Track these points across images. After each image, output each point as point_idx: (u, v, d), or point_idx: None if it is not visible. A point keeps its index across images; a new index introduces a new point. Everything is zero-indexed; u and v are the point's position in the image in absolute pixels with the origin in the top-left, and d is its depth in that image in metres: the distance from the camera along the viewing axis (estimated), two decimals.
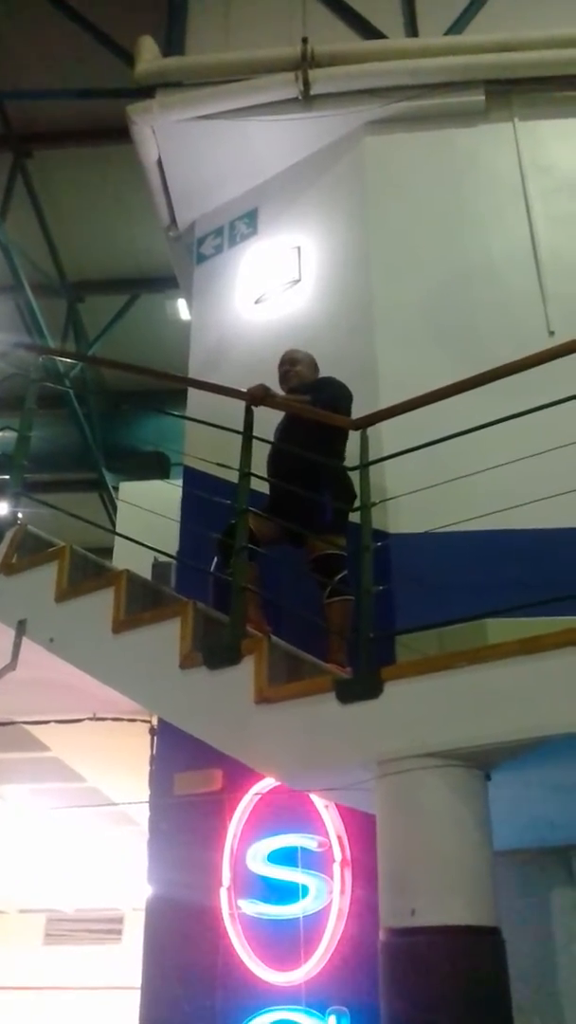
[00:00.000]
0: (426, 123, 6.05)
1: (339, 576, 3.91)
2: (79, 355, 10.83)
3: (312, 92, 6.03)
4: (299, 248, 6.07)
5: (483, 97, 5.99)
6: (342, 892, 3.99)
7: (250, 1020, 3.93)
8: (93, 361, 11.02)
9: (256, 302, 6.10)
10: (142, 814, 4.87)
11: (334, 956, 3.91)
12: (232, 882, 4.22)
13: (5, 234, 9.31)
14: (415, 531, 4.15)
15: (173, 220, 6.99)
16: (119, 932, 12.67)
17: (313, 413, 4.08)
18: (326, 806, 4.11)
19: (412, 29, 6.61)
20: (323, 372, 4.74)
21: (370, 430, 3.68)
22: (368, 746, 2.86)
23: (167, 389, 8.75)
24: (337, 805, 4.03)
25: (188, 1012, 4.09)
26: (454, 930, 2.48)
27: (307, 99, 6.05)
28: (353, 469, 3.56)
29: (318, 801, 4.11)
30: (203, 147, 6.37)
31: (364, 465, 3.46)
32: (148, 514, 5.56)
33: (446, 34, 6.45)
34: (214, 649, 3.34)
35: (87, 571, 4.14)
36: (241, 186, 6.64)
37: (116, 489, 10.22)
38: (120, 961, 11.00)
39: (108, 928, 12.83)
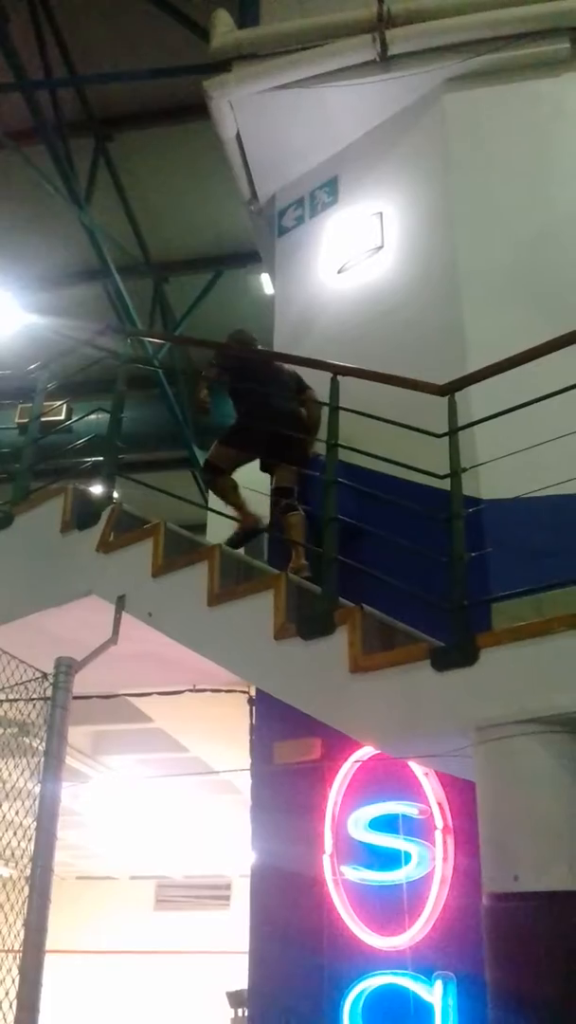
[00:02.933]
0: (508, 75, 5.85)
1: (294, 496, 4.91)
2: (164, 335, 10.96)
3: (390, 53, 5.90)
4: (381, 214, 5.99)
5: (568, 45, 5.74)
6: (444, 859, 4.00)
7: (357, 983, 3.99)
8: (178, 340, 11.14)
9: (339, 271, 6.05)
10: (244, 783, 4.97)
11: (439, 922, 3.93)
12: (334, 849, 4.27)
13: (91, 219, 9.48)
14: (509, 496, 4.08)
15: (254, 194, 6.98)
16: (227, 898, 12.99)
17: (402, 382, 4.04)
18: (426, 773, 4.11)
19: None
20: (408, 338, 4.72)
21: (458, 395, 3.64)
22: (465, 713, 2.85)
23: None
24: (437, 772, 4.03)
25: (296, 975, 4.17)
26: (557, 895, 2.46)
27: (384, 60, 5.93)
28: (441, 436, 3.52)
29: (417, 768, 4.12)
30: (281, 118, 6.32)
31: (453, 431, 3.41)
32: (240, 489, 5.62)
33: None
34: (308, 620, 3.37)
35: (181, 547, 4.23)
36: (320, 155, 6.57)
37: None
38: (229, 926, 11.28)
39: (216, 894, 13.18)
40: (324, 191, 6.49)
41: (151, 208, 10.25)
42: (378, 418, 3.97)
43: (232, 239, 10.24)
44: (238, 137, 6.53)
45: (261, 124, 6.41)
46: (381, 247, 5.87)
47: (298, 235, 6.55)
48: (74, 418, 9.65)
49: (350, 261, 6.01)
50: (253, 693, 4.95)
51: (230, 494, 5.22)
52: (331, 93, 6.10)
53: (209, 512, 6.28)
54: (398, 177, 6.04)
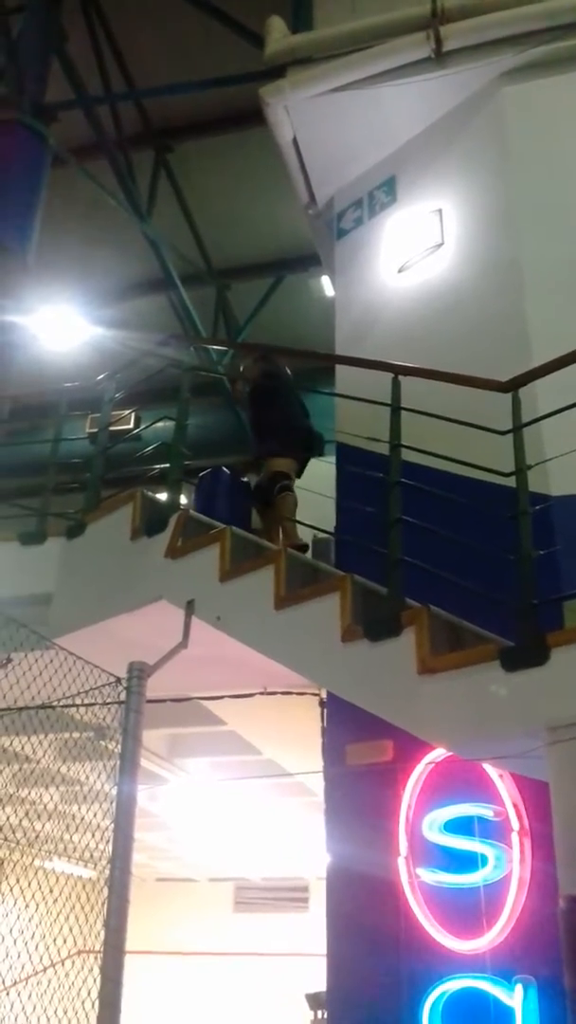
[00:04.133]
0: (566, 66, 5.73)
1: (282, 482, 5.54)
2: (226, 342, 11.04)
3: (444, 49, 5.85)
4: (440, 211, 5.94)
5: None
6: (522, 861, 3.95)
7: (436, 987, 3.96)
8: (240, 347, 11.22)
9: (399, 271, 6.03)
10: (319, 785, 4.98)
11: (517, 925, 3.88)
12: (409, 851, 4.25)
13: (153, 230, 9.62)
14: None
15: (312, 197, 7.00)
16: (305, 900, 13.01)
17: (464, 380, 4.01)
18: (500, 775, 4.06)
19: None
20: (470, 335, 4.70)
21: (523, 391, 3.60)
22: (536, 713, 2.81)
23: (316, 368, 8.80)
24: (512, 774, 3.98)
25: (374, 978, 4.16)
26: None
27: (439, 57, 5.89)
28: (505, 433, 3.48)
29: (491, 770, 4.07)
30: (337, 120, 6.33)
31: (517, 428, 3.37)
32: (305, 493, 5.65)
33: None
34: (374, 621, 3.37)
35: (247, 551, 4.27)
36: (377, 155, 6.55)
37: None
38: (307, 928, 11.30)
39: (294, 896, 13.20)
40: (382, 191, 6.47)
41: (211, 216, 10.36)
42: (441, 417, 3.94)
43: (292, 244, 10.28)
44: (295, 142, 6.56)
45: (317, 127, 6.42)
46: (441, 244, 5.82)
47: (357, 236, 6.54)
48: (141, 427, 9.81)
49: (410, 260, 5.98)
50: (324, 695, 4.96)
51: (293, 508, 5.53)
52: (386, 93, 6.08)
53: None
54: (457, 173, 5.99)
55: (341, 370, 5.89)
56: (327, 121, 6.34)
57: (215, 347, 11.01)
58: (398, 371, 4.08)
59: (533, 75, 5.79)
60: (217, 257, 10.89)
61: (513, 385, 3.52)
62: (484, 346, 5.05)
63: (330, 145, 6.55)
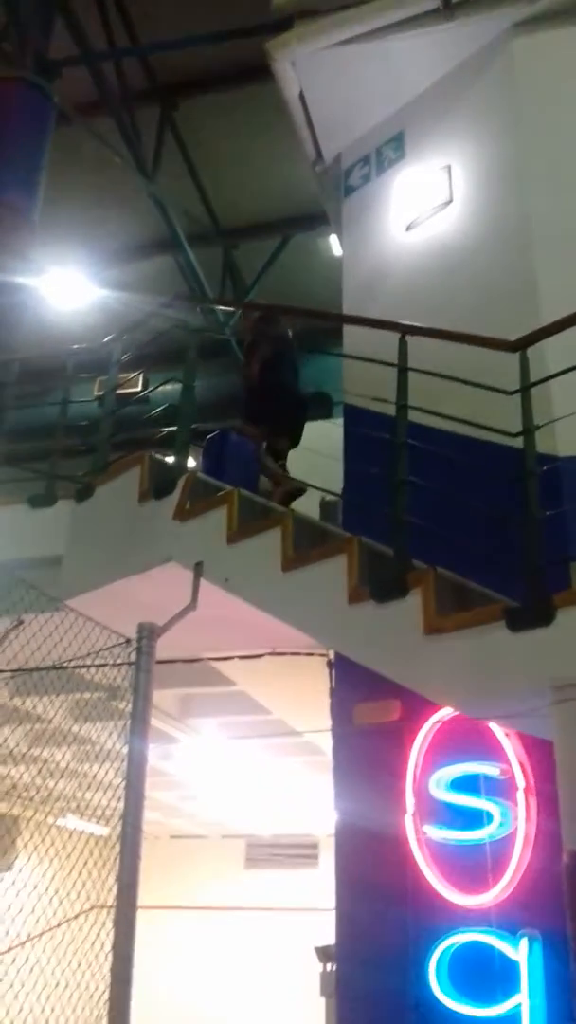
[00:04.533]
0: None
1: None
2: (232, 302, 10.94)
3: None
4: (449, 167, 5.85)
5: None
6: (527, 819, 3.99)
7: (442, 940, 4.03)
8: (246, 307, 11.13)
9: (407, 228, 5.95)
10: (327, 744, 5.03)
11: (523, 881, 3.94)
12: (416, 809, 4.30)
13: (159, 189, 9.50)
14: None
15: (319, 154, 6.90)
16: (315, 856, 13.21)
17: (472, 339, 3.98)
18: (507, 734, 4.09)
19: None
20: (478, 293, 4.64)
21: (531, 351, 3.57)
22: (542, 672, 2.83)
23: (324, 328, 8.73)
24: (517, 732, 4.01)
25: (382, 932, 4.24)
26: None
27: (448, 8, 5.75)
28: (513, 393, 3.45)
29: (497, 729, 4.10)
30: (344, 74, 6.22)
31: (525, 388, 3.35)
32: (314, 455, 5.64)
33: None
34: (381, 583, 3.38)
35: (255, 513, 4.27)
36: (385, 110, 6.44)
37: None
38: (317, 884, 11.49)
39: (304, 853, 13.40)
40: (390, 147, 6.37)
41: (218, 175, 10.21)
42: (448, 377, 3.91)
43: (300, 202, 10.13)
44: (301, 97, 6.45)
45: (324, 82, 6.31)
46: (450, 202, 5.75)
47: (365, 193, 6.45)
48: (148, 389, 9.78)
49: (418, 218, 5.90)
50: (332, 656, 4.99)
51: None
52: (395, 46, 5.96)
53: None
54: (467, 128, 5.89)
55: (349, 330, 5.85)
56: (334, 75, 6.23)
57: (222, 308, 10.92)
58: (405, 331, 4.04)
59: (544, 27, 5.66)
60: (224, 216, 10.76)
61: (522, 344, 3.49)
62: (493, 305, 5.00)
63: (337, 100, 6.45)
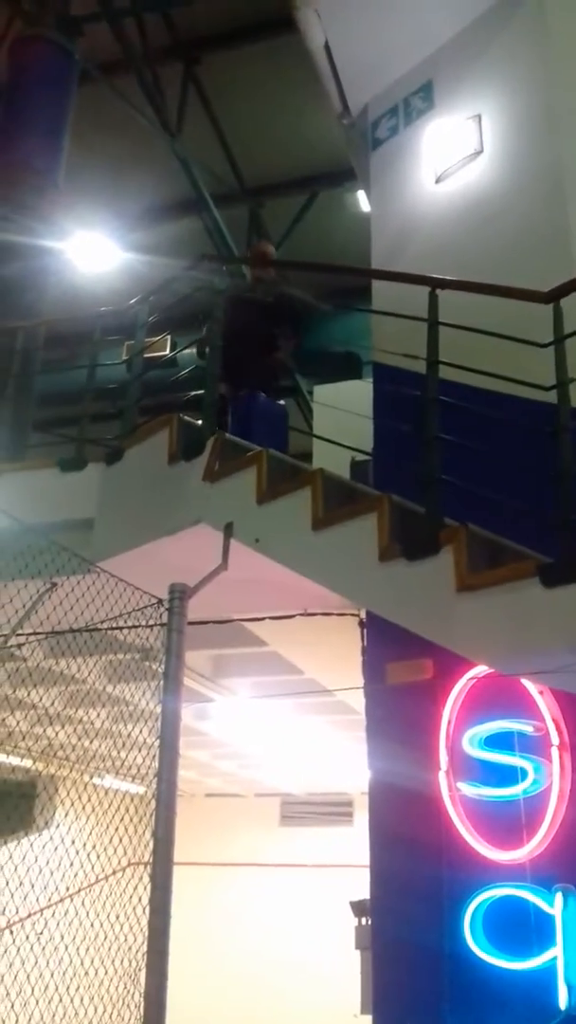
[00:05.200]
0: None
1: None
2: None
3: None
4: (479, 116, 5.70)
5: None
6: (562, 775, 3.99)
7: (476, 895, 4.06)
8: (272, 265, 11.00)
9: (437, 181, 5.83)
10: (361, 703, 5.05)
11: (557, 836, 3.94)
12: (450, 766, 4.31)
13: (184, 148, 9.39)
14: None
15: (345, 106, 6.75)
16: (350, 815, 13.35)
17: (504, 291, 3.90)
18: (540, 691, 4.08)
19: None
20: (510, 245, 4.53)
21: (564, 302, 3.49)
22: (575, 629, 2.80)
23: (354, 286, 8.62)
24: (552, 690, 4.00)
25: (416, 887, 4.27)
26: None
27: None
28: (546, 345, 3.39)
29: (531, 686, 4.08)
30: (369, 21, 6.06)
31: (559, 339, 3.28)
32: (344, 415, 5.59)
33: None
34: (412, 540, 3.35)
35: (284, 473, 4.25)
36: (413, 59, 6.27)
37: (311, 394, 10.31)
38: (351, 841, 11.62)
39: (338, 811, 13.55)
40: (418, 97, 6.22)
41: (243, 132, 10.07)
42: (479, 331, 3.84)
43: (326, 157, 9.97)
44: (327, 47, 6.31)
45: (349, 30, 6.16)
46: (480, 152, 5.61)
47: (393, 146, 6.32)
48: (176, 351, 9.74)
49: (448, 169, 5.77)
50: (363, 616, 4.99)
51: None
52: None
53: (314, 439, 6.28)
54: (497, 75, 5.73)
55: (378, 286, 5.75)
56: (359, 22, 6.07)
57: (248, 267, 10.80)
58: (435, 284, 3.97)
59: None
60: (250, 174, 10.62)
61: (555, 295, 3.41)
62: (525, 256, 4.88)
63: (363, 49, 6.30)
